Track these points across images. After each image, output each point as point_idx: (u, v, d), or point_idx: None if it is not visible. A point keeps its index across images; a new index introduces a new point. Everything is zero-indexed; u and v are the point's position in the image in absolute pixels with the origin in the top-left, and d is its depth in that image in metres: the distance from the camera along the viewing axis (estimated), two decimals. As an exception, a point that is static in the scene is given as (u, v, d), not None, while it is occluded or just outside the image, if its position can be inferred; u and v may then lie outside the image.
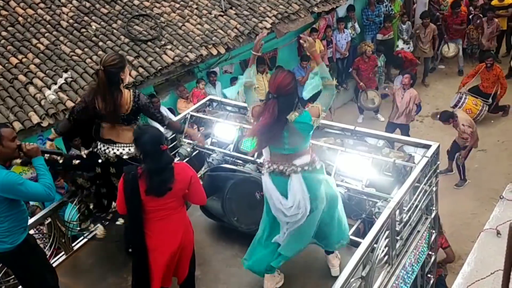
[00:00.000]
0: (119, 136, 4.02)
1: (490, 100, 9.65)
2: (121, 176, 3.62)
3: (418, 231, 4.37)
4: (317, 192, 3.51)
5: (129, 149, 4.00)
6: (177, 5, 8.64)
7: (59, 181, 6.54)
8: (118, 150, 4.01)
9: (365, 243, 3.45)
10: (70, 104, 6.47)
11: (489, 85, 9.63)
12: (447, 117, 8.20)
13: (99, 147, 4.09)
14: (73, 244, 4.60)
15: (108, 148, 4.02)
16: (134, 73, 7.13)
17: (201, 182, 4.54)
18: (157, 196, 3.35)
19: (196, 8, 8.67)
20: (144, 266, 3.44)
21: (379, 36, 11.20)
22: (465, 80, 9.88)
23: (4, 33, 7.28)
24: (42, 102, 6.44)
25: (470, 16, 11.57)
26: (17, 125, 6.13)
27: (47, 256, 4.29)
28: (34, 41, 7.30)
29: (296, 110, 3.36)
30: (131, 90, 3.99)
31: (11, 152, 3.45)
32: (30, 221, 4.23)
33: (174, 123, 4.44)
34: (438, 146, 4.31)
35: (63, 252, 4.53)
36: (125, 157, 4.00)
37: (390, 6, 11.47)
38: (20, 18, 7.60)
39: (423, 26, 10.99)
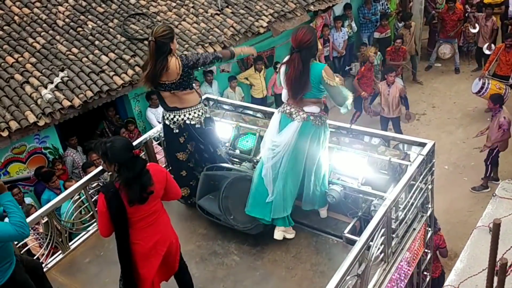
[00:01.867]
0: (182, 102, 4.31)
1: (511, 80, 9.46)
2: (193, 139, 4.22)
3: (414, 229, 4.39)
4: (304, 141, 3.97)
5: (195, 113, 4.34)
6: (173, 4, 8.64)
7: (54, 182, 6.55)
8: (185, 115, 4.33)
9: (361, 241, 3.46)
10: (66, 103, 6.48)
11: (508, 66, 9.45)
12: (498, 100, 7.83)
13: (166, 117, 4.39)
14: (70, 243, 4.60)
15: (175, 115, 4.33)
16: (130, 72, 7.14)
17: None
18: (141, 204, 3.26)
19: (193, 7, 8.67)
20: (132, 280, 3.39)
21: (376, 35, 11.21)
22: (487, 66, 9.66)
23: (0, 32, 7.28)
24: (39, 101, 6.44)
25: (466, 14, 11.58)
26: (14, 125, 6.13)
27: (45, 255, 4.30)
28: (30, 40, 7.30)
29: (315, 59, 3.94)
30: (178, 58, 4.21)
31: None
32: (27, 220, 4.24)
33: (224, 52, 4.61)
34: (434, 144, 4.32)
35: (60, 251, 4.53)
36: (193, 122, 4.34)
37: (387, 5, 11.49)
38: (16, 17, 7.60)
39: (405, 27, 10.97)
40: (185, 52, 7.64)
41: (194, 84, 4.46)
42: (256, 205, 4.15)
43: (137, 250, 3.35)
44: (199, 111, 4.40)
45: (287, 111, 4.01)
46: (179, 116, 4.35)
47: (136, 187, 3.20)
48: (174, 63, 4.15)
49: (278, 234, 4.21)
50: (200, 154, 4.56)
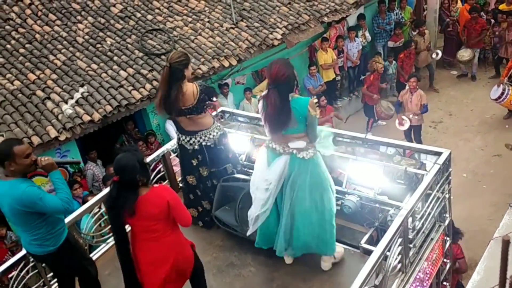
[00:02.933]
0: (198, 125, 4.39)
1: None
2: (206, 164, 4.36)
3: (432, 239, 4.36)
4: (299, 178, 3.77)
5: (210, 134, 4.42)
6: (189, 19, 8.78)
7: (76, 190, 6.68)
8: (201, 138, 4.42)
9: (377, 251, 3.46)
10: (86, 118, 6.62)
11: None
12: None
13: (182, 138, 4.47)
14: (90, 255, 4.67)
15: (191, 138, 4.41)
16: (148, 86, 7.27)
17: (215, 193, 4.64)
18: (129, 215, 3.41)
19: (208, 22, 8.79)
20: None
21: (390, 44, 11.21)
22: (506, 72, 9.44)
23: (22, 50, 7.49)
24: (60, 117, 6.59)
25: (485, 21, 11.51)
26: (36, 140, 6.28)
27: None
28: (51, 57, 7.49)
29: (295, 92, 3.73)
30: (195, 83, 4.31)
31: (25, 169, 3.48)
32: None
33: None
34: (450, 153, 4.31)
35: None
36: (209, 143, 4.42)
37: (401, 14, 11.48)
38: (37, 35, 7.80)
39: (419, 35, 10.94)
40: (202, 66, 7.76)
41: (215, 99, 4.61)
42: (265, 237, 4.10)
43: (139, 259, 3.52)
44: (214, 131, 4.47)
45: (272, 146, 3.84)
46: (195, 138, 4.42)
47: (121, 198, 3.40)
48: (191, 87, 4.24)
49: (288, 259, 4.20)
50: (211, 181, 4.61)
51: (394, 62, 10.78)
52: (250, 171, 5.02)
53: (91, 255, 4.68)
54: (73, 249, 3.79)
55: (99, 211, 4.75)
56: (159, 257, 3.49)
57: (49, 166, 3.57)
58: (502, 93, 9.12)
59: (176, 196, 3.52)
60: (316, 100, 3.74)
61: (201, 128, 4.41)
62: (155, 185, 3.70)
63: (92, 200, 4.73)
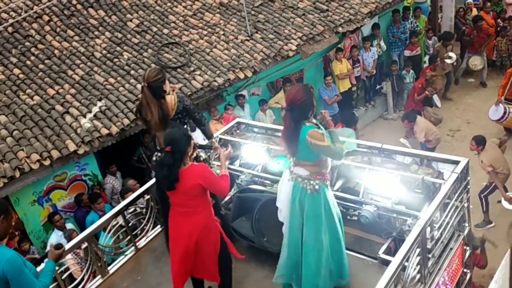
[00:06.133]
0: None
1: None
2: None
3: (451, 249, 4.31)
4: (296, 205, 3.76)
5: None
6: (205, 32, 8.88)
7: (99, 204, 6.78)
8: None
9: (395, 261, 3.44)
10: (104, 131, 6.72)
11: None
12: (480, 143, 7.41)
13: (158, 155, 4.32)
14: (108, 268, 4.73)
15: None
16: (164, 99, 7.35)
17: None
18: (166, 189, 3.71)
19: (223, 34, 8.88)
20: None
21: (407, 53, 11.16)
22: (501, 91, 9.30)
23: (41, 66, 7.66)
24: (78, 130, 6.69)
25: (498, 28, 11.42)
26: (55, 153, 6.39)
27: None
28: (70, 72, 7.64)
29: (308, 120, 3.65)
30: (174, 94, 4.27)
31: (10, 227, 3.24)
32: (68, 245, 4.41)
33: (209, 129, 4.69)
34: (468, 162, 4.27)
35: (99, 276, 4.66)
36: None
37: (415, 23, 11.44)
38: (56, 51, 7.96)
39: (443, 46, 10.90)
40: (217, 79, 7.83)
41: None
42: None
43: (169, 225, 3.87)
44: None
45: (290, 168, 3.88)
46: None
47: (160, 174, 3.75)
48: (170, 99, 4.21)
49: None
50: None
51: (412, 71, 10.76)
52: (267, 182, 5.04)
53: (109, 267, 4.74)
54: None
55: (117, 223, 4.80)
56: (184, 233, 3.73)
57: (51, 255, 3.45)
58: (504, 113, 8.93)
59: (207, 175, 3.70)
60: (321, 131, 3.62)
61: None
62: (195, 163, 3.84)
63: (110, 212, 4.79)
